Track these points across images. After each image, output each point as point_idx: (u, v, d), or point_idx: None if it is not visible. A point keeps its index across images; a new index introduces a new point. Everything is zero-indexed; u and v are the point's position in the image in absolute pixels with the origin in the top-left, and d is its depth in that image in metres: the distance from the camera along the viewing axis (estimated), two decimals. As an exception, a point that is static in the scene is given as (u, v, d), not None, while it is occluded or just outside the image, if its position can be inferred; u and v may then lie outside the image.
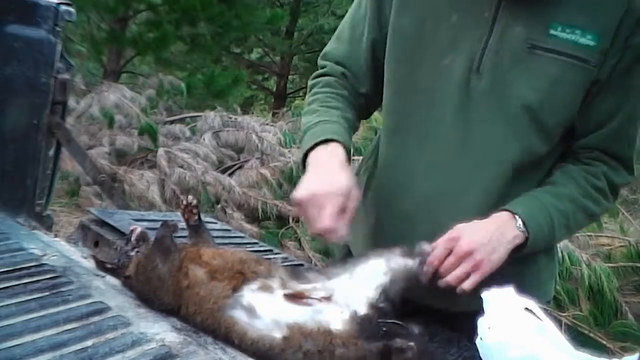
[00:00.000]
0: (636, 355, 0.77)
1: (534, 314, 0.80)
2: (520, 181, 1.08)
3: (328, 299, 0.93)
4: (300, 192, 0.98)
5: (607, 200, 1.12)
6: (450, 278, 0.99)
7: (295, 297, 0.92)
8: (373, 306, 0.92)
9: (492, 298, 0.83)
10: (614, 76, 1.02)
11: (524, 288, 1.04)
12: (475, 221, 1.02)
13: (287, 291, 0.93)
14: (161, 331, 0.91)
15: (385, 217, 1.18)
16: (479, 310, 0.86)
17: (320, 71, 1.25)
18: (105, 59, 7.36)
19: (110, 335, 0.87)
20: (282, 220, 4.16)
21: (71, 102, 4.82)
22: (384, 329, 0.88)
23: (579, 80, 1.02)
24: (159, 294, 0.99)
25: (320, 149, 1.04)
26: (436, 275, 1.00)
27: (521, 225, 1.01)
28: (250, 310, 0.91)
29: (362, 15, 1.19)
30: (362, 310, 0.91)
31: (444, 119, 1.07)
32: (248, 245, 1.71)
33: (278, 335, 0.87)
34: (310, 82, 1.26)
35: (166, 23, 6.92)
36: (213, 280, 0.95)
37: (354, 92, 1.21)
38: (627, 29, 0.99)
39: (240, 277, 0.95)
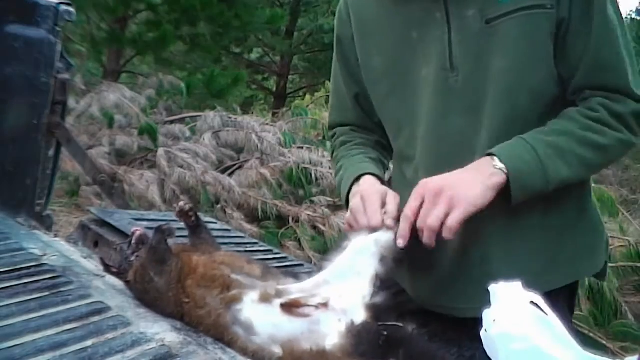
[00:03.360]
0: (636, 356, 0.77)
1: (539, 307, 0.80)
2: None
3: (325, 305, 0.91)
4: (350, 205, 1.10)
5: (615, 130, 1.00)
6: (430, 221, 0.94)
7: (292, 306, 0.90)
8: (370, 307, 0.91)
9: (499, 291, 0.83)
10: (574, 9, 0.98)
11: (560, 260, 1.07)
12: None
13: (284, 300, 0.91)
14: (161, 331, 0.91)
15: None
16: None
17: (333, 138, 1.34)
18: (105, 59, 7.38)
19: (110, 335, 0.87)
20: (282, 220, 4.16)
21: (71, 102, 4.83)
22: (385, 333, 0.85)
23: (541, 28, 0.99)
24: (159, 304, 0.98)
25: (354, 187, 1.14)
26: (418, 240, 0.97)
27: (499, 163, 0.96)
28: (249, 327, 0.89)
29: (338, 78, 1.27)
30: (360, 315, 0.89)
31: (431, 125, 1.08)
32: (248, 246, 1.71)
33: (277, 351, 0.86)
34: (330, 152, 1.39)
35: (166, 23, 6.94)
36: (210, 296, 0.93)
37: (370, 139, 1.27)
38: None
39: (237, 291, 0.93)
